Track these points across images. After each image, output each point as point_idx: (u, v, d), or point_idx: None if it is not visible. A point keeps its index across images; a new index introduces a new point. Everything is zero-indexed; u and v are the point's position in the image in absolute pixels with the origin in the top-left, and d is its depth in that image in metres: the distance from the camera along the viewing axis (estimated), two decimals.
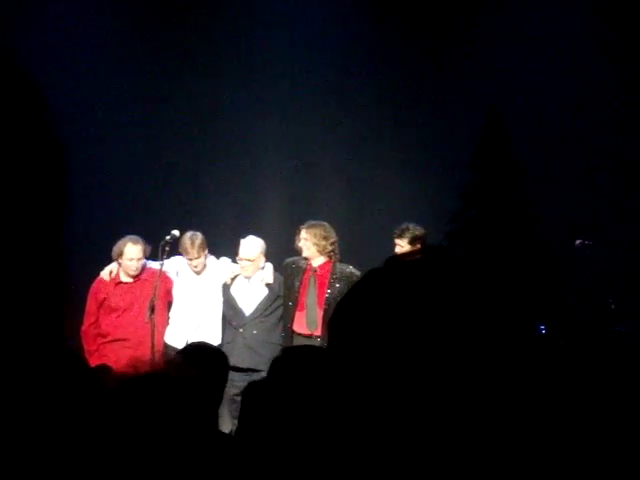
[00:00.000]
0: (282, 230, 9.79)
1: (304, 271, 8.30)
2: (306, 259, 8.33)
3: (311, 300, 8.16)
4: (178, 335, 8.30)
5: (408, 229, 8.48)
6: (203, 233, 8.58)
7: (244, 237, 8.57)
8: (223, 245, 8.97)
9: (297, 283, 8.27)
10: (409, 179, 10.57)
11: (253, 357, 8.08)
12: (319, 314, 8.06)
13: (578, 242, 8.29)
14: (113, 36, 10.70)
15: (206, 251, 8.53)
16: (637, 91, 10.22)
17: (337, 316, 1.24)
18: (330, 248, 8.26)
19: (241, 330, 8.31)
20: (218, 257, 8.71)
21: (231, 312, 8.47)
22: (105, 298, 8.27)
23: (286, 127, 10.70)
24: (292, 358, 3.76)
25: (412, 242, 8.35)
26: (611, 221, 9.89)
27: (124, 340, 8.12)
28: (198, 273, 8.51)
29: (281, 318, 8.34)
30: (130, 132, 10.57)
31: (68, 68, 10.52)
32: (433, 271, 1.20)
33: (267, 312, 8.36)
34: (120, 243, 8.33)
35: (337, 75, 10.75)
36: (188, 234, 8.44)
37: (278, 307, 8.37)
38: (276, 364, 3.81)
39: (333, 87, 10.74)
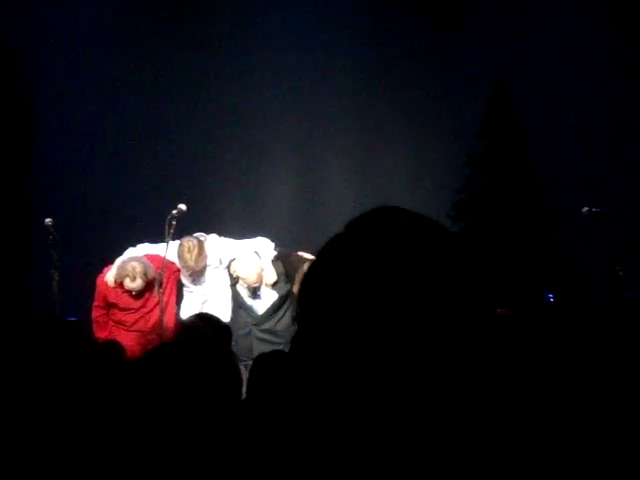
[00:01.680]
0: (287, 220, 9.82)
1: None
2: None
3: None
4: (189, 312, 8.24)
5: None
6: (207, 210, 8.44)
7: (248, 233, 8.44)
8: (227, 230, 8.89)
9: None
10: (416, 151, 10.55)
11: (268, 348, 7.79)
12: None
13: (585, 209, 8.26)
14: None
15: (205, 252, 8.15)
16: None
17: (304, 287, 1.23)
18: None
19: (255, 325, 8.21)
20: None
21: (244, 311, 8.29)
22: (115, 303, 8.11)
23: (287, 110, 10.66)
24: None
25: None
26: (619, 188, 9.87)
27: (138, 331, 8.07)
28: (199, 284, 8.33)
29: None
30: (136, 110, 10.56)
31: (63, 60, 10.50)
32: (385, 232, 1.19)
33: (282, 310, 8.20)
34: (122, 267, 7.95)
35: (343, 49, 10.70)
36: (185, 244, 8.07)
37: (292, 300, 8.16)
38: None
39: (337, 61, 10.70)
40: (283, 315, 8.15)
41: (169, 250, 7.98)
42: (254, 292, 8.21)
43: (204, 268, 8.25)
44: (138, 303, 8.14)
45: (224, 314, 8.04)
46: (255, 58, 10.70)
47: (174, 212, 8.07)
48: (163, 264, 7.96)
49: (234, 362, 2.20)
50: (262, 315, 8.19)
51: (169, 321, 7.93)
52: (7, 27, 10.43)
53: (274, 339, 7.98)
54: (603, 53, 10.19)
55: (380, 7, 10.80)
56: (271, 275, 8.21)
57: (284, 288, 8.18)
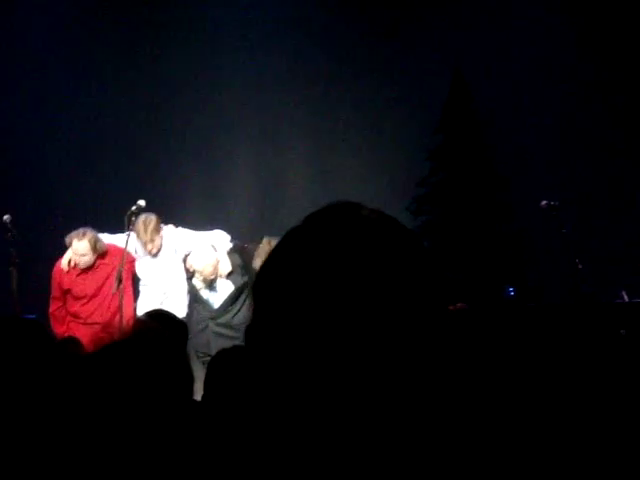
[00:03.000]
0: (246, 213, 9.82)
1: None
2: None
3: None
4: (146, 308, 8.23)
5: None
6: (169, 205, 8.45)
7: (209, 227, 8.45)
8: (190, 219, 8.87)
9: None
10: (376, 145, 10.57)
11: (226, 343, 7.69)
12: None
13: (544, 203, 8.31)
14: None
15: (161, 233, 8.26)
16: (605, 48, 10.23)
17: (259, 278, 1.24)
18: None
19: (212, 319, 8.17)
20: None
21: (200, 306, 8.29)
22: (69, 288, 8.13)
23: (251, 96, 10.65)
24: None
25: None
26: (577, 181, 9.94)
27: (94, 324, 8.05)
28: (154, 256, 8.31)
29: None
30: (96, 105, 10.49)
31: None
32: (342, 227, 1.20)
33: (238, 302, 8.18)
34: (67, 238, 8.06)
35: (302, 41, 10.67)
36: (142, 217, 8.11)
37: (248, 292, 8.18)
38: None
39: (297, 53, 10.68)
40: (240, 309, 8.14)
41: (129, 243, 8.01)
42: (210, 285, 8.21)
43: (159, 247, 8.27)
44: (92, 288, 8.13)
45: (181, 309, 8.05)
46: (217, 50, 10.67)
47: (133, 208, 8.11)
48: (123, 258, 7.95)
49: (186, 361, 2.19)
50: (218, 308, 8.18)
51: (127, 314, 7.92)
52: None
53: (231, 333, 7.95)
54: (563, 43, 10.24)
55: (341, 5, 10.82)
56: (226, 266, 8.22)
57: (240, 280, 8.19)
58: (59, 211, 9.70)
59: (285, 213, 9.69)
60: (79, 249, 8.02)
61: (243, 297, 8.17)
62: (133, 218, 8.07)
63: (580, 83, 10.19)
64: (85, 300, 8.15)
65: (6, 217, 8.16)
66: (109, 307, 8.08)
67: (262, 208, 10.17)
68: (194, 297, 8.31)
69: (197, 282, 8.28)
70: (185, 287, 8.36)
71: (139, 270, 8.40)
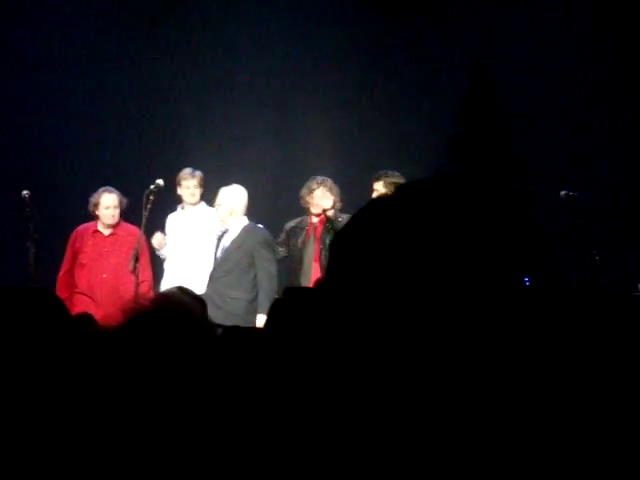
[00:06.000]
0: (268, 186, 9.82)
1: (306, 229, 8.33)
2: (306, 217, 8.45)
3: (308, 256, 8.20)
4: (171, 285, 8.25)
5: (386, 174, 8.54)
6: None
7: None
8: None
9: (299, 242, 8.32)
10: (395, 132, 10.53)
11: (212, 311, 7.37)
12: (314, 268, 8.08)
13: (563, 193, 8.29)
14: None
15: (202, 190, 8.63)
16: (631, 36, 10.16)
17: (338, 242, 1.25)
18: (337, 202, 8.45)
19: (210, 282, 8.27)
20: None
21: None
22: (79, 247, 8.32)
23: (269, 79, 10.62)
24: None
25: (387, 186, 8.35)
26: (597, 172, 9.89)
27: (87, 295, 8.14)
28: (192, 204, 8.56)
29: (247, 274, 8.19)
30: (110, 83, 10.49)
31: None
32: (435, 200, 1.21)
33: (230, 266, 8.22)
34: (95, 195, 8.41)
35: (322, 28, 10.63)
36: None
37: (247, 264, 8.19)
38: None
39: (318, 39, 10.64)
40: (232, 272, 8.18)
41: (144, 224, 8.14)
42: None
43: (196, 198, 8.60)
44: (94, 255, 8.25)
45: (200, 287, 8.07)
46: (234, 30, 10.64)
47: (152, 187, 8.17)
48: (139, 238, 8.01)
49: (214, 330, 2.18)
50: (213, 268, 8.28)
51: (144, 290, 7.98)
52: None
53: (217, 300, 7.94)
54: (587, 35, 10.17)
55: None
56: (238, 218, 8.28)
57: (246, 249, 8.19)
58: (77, 187, 9.71)
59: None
60: (109, 201, 8.34)
61: (240, 265, 8.20)
62: (151, 197, 8.12)
63: (604, 72, 10.11)
64: (86, 268, 8.23)
65: (25, 192, 8.23)
66: (102, 281, 8.21)
67: (280, 193, 10.13)
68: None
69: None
70: (208, 269, 8.37)
71: (171, 245, 8.47)
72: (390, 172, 8.61)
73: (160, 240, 8.45)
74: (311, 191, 8.39)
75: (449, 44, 10.44)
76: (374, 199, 1.28)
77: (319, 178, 8.52)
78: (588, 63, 10.17)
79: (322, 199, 8.33)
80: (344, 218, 8.03)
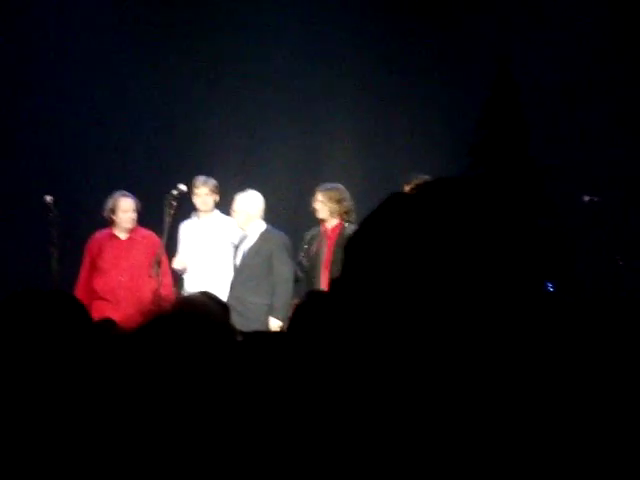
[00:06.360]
0: (289, 187, 9.80)
1: (320, 236, 8.32)
2: (321, 223, 8.36)
3: (318, 263, 8.17)
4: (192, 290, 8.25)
5: (417, 177, 8.55)
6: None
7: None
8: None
9: (313, 249, 8.28)
10: (417, 137, 10.52)
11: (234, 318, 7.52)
12: (323, 274, 8.05)
13: (587, 198, 8.26)
14: None
15: (216, 197, 8.56)
16: None
17: (354, 238, 1.24)
18: (344, 210, 8.25)
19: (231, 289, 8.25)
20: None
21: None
22: (97, 253, 8.26)
23: (292, 80, 10.61)
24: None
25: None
26: (620, 177, 9.83)
27: (106, 299, 8.12)
28: (205, 212, 8.51)
29: (267, 279, 8.17)
30: (128, 84, 10.52)
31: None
32: (453, 200, 1.20)
33: (249, 272, 8.23)
34: (111, 199, 8.29)
35: (344, 28, 10.63)
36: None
37: (267, 269, 8.18)
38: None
39: (341, 42, 10.63)
40: (251, 277, 8.19)
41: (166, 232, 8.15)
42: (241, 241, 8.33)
43: (209, 206, 8.53)
44: (110, 260, 8.23)
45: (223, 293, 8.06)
46: (255, 33, 10.65)
47: (174, 192, 8.12)
48: (161, 246, 8.02)
49: (235, 335, 2.17)
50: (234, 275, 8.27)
51: (165, 293, 7.97)
52: None
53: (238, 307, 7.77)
54: (609, 41, 10.12)
55: None
56: (254, 223, 8.26)
57: (264, 255, 8.19)
58: (99, 192, 9.75)
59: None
60: (126, 205, 8.26)
61: (258, 270, 8.20)
62: (173, 202, 8.10)
63: (630, 76, 10.05)
64: (102, 272, 8.22)
65: (48, 198, 8.26)
66: (119, 285, 8.19)
67: (302, 193, 10.12)
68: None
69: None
70: (221, 276, 8.36)
71: (188, 251, 8.48)
72: (421, 175, 8.58)
73: (183, 264, 8.44)
74: (314, 200, 8.35)
75: (473, 49, 10.41)
76: (390, 196, 1.26)
77: (321, 186, 8.42)
78: (612, 68, 10.12)
79: (319, 210, 8.30)
80: (351, 228, 7.95)
